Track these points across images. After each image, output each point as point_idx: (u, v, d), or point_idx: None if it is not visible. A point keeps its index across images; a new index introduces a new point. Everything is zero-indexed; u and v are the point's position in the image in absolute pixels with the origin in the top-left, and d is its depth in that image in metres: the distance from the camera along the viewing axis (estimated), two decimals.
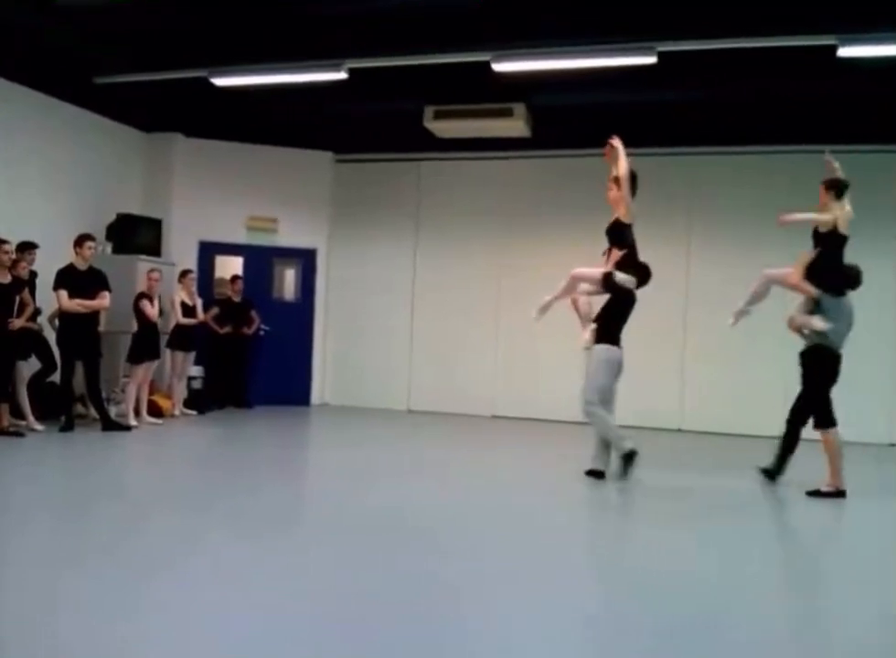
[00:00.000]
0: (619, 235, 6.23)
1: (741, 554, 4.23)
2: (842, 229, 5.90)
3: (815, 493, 5.69)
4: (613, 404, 6.25)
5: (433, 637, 2.88)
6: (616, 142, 6.16)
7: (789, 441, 6.02)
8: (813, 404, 5.85)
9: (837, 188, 5.92)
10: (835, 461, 5.72)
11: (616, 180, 6.16)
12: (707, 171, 9.32)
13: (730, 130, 8.83)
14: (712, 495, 5.78)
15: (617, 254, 6.21)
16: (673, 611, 3.22)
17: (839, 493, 5.66)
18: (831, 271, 5.94)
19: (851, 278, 6.00)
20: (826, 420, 5.77)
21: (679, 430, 9.21)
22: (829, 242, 5.94)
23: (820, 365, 5.84)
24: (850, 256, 8.26)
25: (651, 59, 6.58)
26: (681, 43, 6.45)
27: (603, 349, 6.12)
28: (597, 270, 6.23)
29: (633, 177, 6.21)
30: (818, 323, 5.76)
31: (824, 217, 5.90)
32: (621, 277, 6.14)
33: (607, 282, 6.13)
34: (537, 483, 6.06)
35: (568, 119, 8.81)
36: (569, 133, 9.21)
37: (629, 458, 5.95)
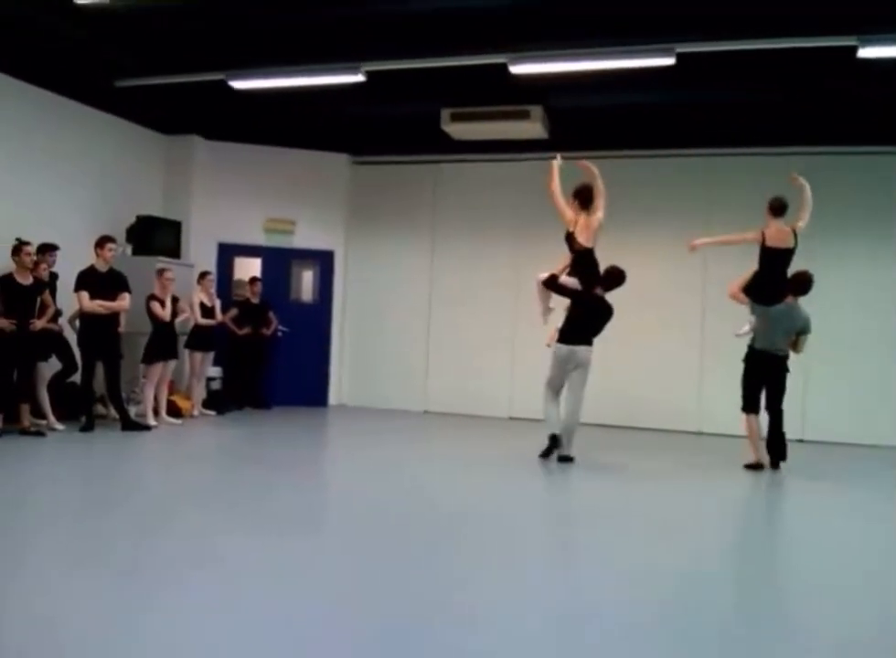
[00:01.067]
0: (566, 242, 7.00)
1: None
2: (770, 243, 6.73)
3: (747, 466, 6.77)
4: (579, 392, 6.92)
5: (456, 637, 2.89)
6: (554, 162, 7.05)
7: (774, 433, 6.76)
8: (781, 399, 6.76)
9: (770, 207, 6.79)
10: (751, 441, 6.81)
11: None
12: (725, 172, 9.25)
13: (748, 131, 8.77)
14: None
15: (568, 258, 7.02)
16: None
17: (759, 466, 6.74)
18: (756, 283, 6.81)
19: (797, 285, 6.65)
20: (746, 406, 6.84)
21: (700, 433, 9.15)
22: (759, 256, 6.84)
23: (745, 359, 6.91)
24: (856, 258, 8.33)
25: (670, 61, 6.55)
26: (700, 44, 6.42)
27: (554, 346, 6.97)
28: (547, 274, 7.03)
29: (580, 192, 6.95)
30: (741, 328, 7.01)
31: (742, 237, 6.95)
32: (564, 279, 6.95)
33: (548, 284, 6.99)
34: (556, 484, 6.06)
35: (585, 120, 8.79)
36: (586, 135, 9.18)
37: (553, 440, 6.80)
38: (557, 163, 7.04)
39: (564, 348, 6.83)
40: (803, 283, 6.61)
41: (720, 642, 2.97)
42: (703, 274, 9.28)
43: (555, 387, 7.00)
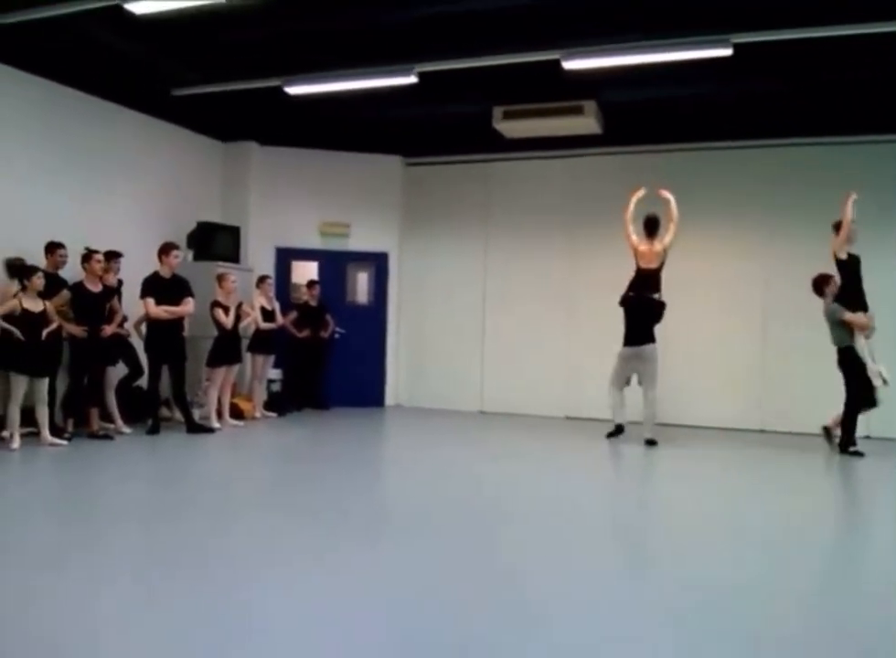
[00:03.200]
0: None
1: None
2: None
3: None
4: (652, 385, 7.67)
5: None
6: (635, 194, 7.73)
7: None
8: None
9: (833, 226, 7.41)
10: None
11: None
12: (785, 164, 9.02)
13: (808, 121, 8.55)
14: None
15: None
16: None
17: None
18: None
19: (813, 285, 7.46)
20: None
21: (762, 431, 8.95)
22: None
23: None
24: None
25: (726, 51, 6.43)
26: (758, 34, 6.28)
27: (619, 349, 7.73)
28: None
29: (647, 221, 7.64)
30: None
31: (847, 231, 7.26)
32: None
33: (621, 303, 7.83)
34: (616, 488, 5.99)
35: (639, 114, 8.68)
36: (640, 129, 9.07)
37: (616, 429, 7.78)
38: (638, 194, 7.70)
39: (628, 350, 7.61)
40: (813, 284, 7.44)
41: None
42: (765, 268, 9.09)
43: (619, 384, 7.73)
